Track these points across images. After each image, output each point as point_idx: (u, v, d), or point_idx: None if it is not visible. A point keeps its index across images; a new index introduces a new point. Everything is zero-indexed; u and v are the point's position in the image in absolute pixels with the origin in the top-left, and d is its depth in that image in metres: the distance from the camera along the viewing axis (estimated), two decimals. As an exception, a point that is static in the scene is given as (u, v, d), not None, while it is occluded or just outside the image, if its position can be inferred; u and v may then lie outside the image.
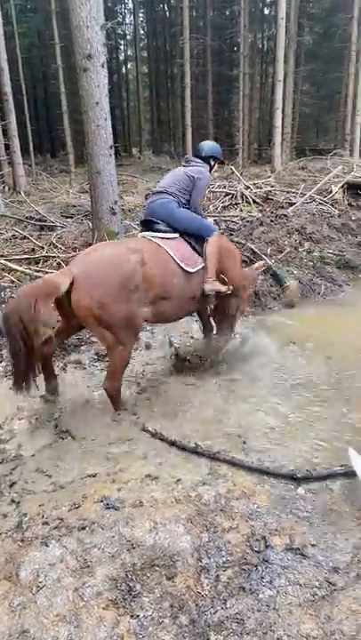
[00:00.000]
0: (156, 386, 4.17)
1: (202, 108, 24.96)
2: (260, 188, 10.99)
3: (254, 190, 10.58)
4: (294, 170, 15.49)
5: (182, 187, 4.15)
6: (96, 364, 4.53)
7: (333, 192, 9.98)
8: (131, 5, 28.92)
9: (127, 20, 29.95)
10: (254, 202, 9.92)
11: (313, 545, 2.41)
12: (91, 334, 4.74)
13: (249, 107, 23.81)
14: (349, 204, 9.66)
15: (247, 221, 8.42)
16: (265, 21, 25.75)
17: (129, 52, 31.67)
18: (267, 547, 2.39)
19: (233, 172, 12.57)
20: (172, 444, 3.24)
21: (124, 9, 30.02)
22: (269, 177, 13.19)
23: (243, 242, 7.31)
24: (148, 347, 4.89)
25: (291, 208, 9.18)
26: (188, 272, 3.92)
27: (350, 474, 2.85)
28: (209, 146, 4.43)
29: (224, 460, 3.04)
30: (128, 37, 30.77)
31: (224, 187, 11.08)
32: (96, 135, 6.35)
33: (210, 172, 4.40)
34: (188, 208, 4.17)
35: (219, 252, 4.12)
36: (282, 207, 9.43)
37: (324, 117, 27.81)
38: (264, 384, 4.14)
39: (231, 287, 4.29)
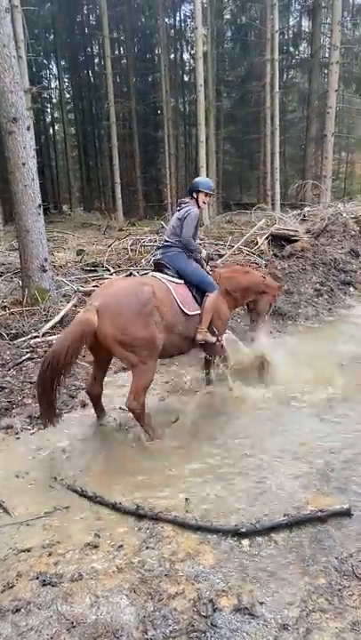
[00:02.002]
0: (95, 447, 4.03)
1: (130, 166, 25.78)
2: (190, 241, 11.30)
3: (184, 244, 10.86)
4: (221, 223, 16.13)
5: (178, 232, 4.61)
6: (29, 427, 4.33)
7: (259, 243, 10.44)
8: (55, 71, 29.88)
9: (52, 85, 30.86)
10: (185, 255, 10.16)
11: (261, 603, 2.35)
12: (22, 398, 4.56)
13: (175, 165, 24.83)
14: (275, 255, 10.12)
15: (179, 274, 8.57)
16: (185, 87, 27.30)
17: (56, 115, 32.44)
18: (214, 610, 2.30)
19: (163, 227, 12.91)
20: (112, 506, 3.11)
21: (49, 74, 30.97)
22: (198, 230, 13.62)
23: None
24: (84, 405, 4.75)
25: (220, 259, 9.48)
26: (186, 314, 4.34)
27: (293, 523, 2.84)
28: (194, 181, 4.91)
29: (167, 521, 2.94)
30: (54, 101, 31.61)
31: (155, 240, 11.33)
32: (24, 194, 6.36)
33: (198, 205, 4.78)
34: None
35: (214, 309, 4.59)
36: (212, 259, 9.67)
37: (247, 174, 29.41)
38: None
39: (221, 339, 4.77)
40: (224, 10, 24.70)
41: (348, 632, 2.16)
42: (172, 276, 4.46)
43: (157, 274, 4.51)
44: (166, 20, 24.02)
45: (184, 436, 4.09)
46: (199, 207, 4.78)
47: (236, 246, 10.23)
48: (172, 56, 25.77)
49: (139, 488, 3.34)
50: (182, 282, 4.47)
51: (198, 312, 4.48)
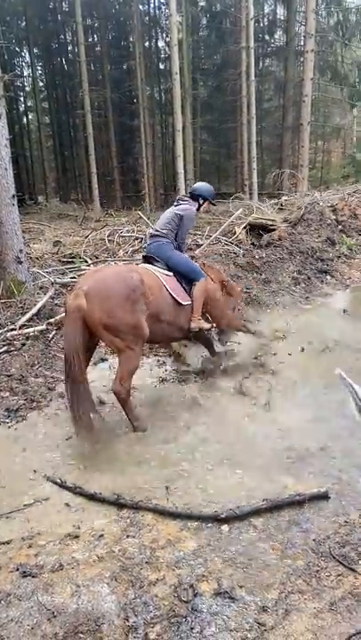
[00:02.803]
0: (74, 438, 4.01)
1: (106, 156, 25.49)
2: (168, 231, 11.27)
3: (162, 234, 10.83)
4: (199, 213, 16.08)
5: (172, 226, 4.70)
6: (7, 420, 4.28)
7: (237, 233, 10.45)
8: (28, 59, 29.28)
9: (25, 73, 30.25)
10: (163, 245, 10.12)
11: (241, 586, 2.38)
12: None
13: (152, 154, 24.65)
14: (252, 244, 10.15)
15: (157, 264, 8.55)
16: (161, 75, 27.01)
17: (29, 103, 31.83)
18: (195, 595, 2.33)
19: (141, 217, 12.83)
20: (92, 497, 3.11)
21: (22, 62, 30.32)
22: (176, 220, 13.58)
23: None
24: (62, 397, 4.72)
25: (198, 249, 9.48)
26: (178, 303, 4.42)
27: (272, 508, 2.89)
28: (200, 186, 5.06)
29: (147, 509, 2.95)
30: (27, 89, 31.00)
31: (133, 231, 11.26)
32: (-3, 185, 6.24)
33: (198, 209, 4.94)
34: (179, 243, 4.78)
35: (204, 295, 4.69)
36: (190, 249, 9.71)
37: (224, 163, 29.35)
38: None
39: (214, 325, 4.93)
40: (199, -3, 24.49)
41: (326, 612, 2.21)
42: (162, 268, 4.53)
43: (147, 265, 4.57)
44: (140, 6, 23.71)
45: (167, 426, 4.11)
46: (198, 210, 4.93)
47: (213, 236, 10.23)
48: (147, 43, 25.49)
49: (119, 477, 3.35)
50: (172, 274, 4.54)
51: (190, 302, 4.57)
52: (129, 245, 10.28)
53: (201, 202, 4.94)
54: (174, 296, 4.39)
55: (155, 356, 5.60)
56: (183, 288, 4.57)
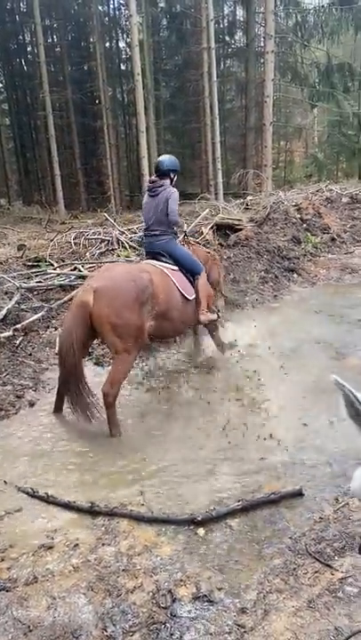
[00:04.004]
0: (44, 447, 3.93)
1: (69, 157, 25.17)
2: (135, 232, 11.21)
3: (129, 235, 10.77)
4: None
5: (164, 217, 4.63)
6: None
7: (204, 233, 10.46)
8: (-14, 60, 28.69)
9: (-17, 74, 29.62)
10: (131, 247, 10.08)
11: (219, 588, 2.38)
12: None
13: (116, 156, 24.49)
14: (220, 244, 10.19)
15: (125, 266, 8.50)
16: (123, 76, 26.83)
17: (-12, 105, 31.24)
18: (173, 600, 2.31)
19: (107, 219, 12.73)
20: (66, 506, 3.05)
21: (-20, 63, 29.70)
22: (143, 222, 13.53)
23: (122, 287, 7.34)
24: (32, 405, 4.63)
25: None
26: (186, 298, 4.57)
27: (248, 508, 2.89)
28: (166, 160, 4.87)
29: (122, 515, 2.91)
30: (-14, 91, 30.42)
31: (99, 233, 11.15)
32: None
33: (171, 184, 4.81)
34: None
35: (206, 286, 4.90)
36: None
37: (189, 164, 29.39)
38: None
39: (221, 314, 5.20)
40: (159, -2, 24.47)
41: (304, 610, 2.22)
42: (168, 263, 4.63)
43: (153, 261, 4.63)
44: (100, 7, 23.51)
45: (139, 431, 4.08)
46: (171, 184, 4.84)
47: (181, 237, 10.21)
48: (108, 44, 25.30)
49: (92, 485, 3.30)
50: (177, 268, 4.66)
51: (194, 297, 4.73)
52: (96, 248, 10.17)
53: (172, 176, 4.86)
54: (182, 292, 4.52)
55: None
56: (188, 281, 4.72)
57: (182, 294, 4.53)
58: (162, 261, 4.62)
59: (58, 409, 4.31)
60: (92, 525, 2.88)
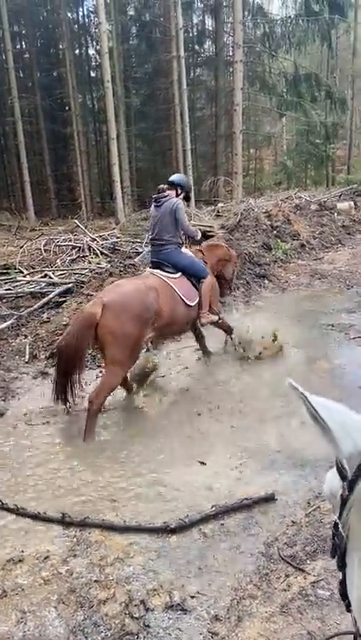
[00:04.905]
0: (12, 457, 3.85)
1: (39, 164, 24.98)
2: (107, 239, 11.18)
3: (101, 242, 10.72)
4: (137, 220, 16.07)
5: (170, 227, 4.86)
6: None
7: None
8: None
9: None
10: (102, 253, 10.03)
11: (193, 597, 2.36)
12: None
13: (87, 162, 24.41)
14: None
15: (96, 273, 8.44)
16: (93, 83, 26.83)
17: None
18: (146, 610, 2.28)
19: (78, 226, 12.65)
20: (36, 517, 2.98)
21: None
22: (114, 228, 13.51)
23: (93, 294, 7.28)
24: (1, 414, 4.53)
25: (138, 257, 9.43)
26: (188, 305, 4.80)
27: (221, 513, 2.88)
28: (177, 177, 5.26)
29: (94, 525, 2.87)
30: None
31: (70, 240, 11.06)
32: None
33: (177, 196, 5.04)
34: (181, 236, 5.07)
35: (210, 290, 5.14)
36: (129, 257, 9.64)
37: (160, 171, 29.46)
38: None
39: (222, 315, 5.47)
40: (127, 6, 24.55)
41: (277, 615, 2.22)
42: (171, 272, 4.83)
43: (156, 271, 4.84)
44: (69, 14, 23.49)
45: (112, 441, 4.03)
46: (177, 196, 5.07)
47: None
48: (77, 51, 25.29)
49: (64, 495, 3.24)
50: (180, 274, 4.87)
51: (197, 301, 4.96)
52: (66, 255, 10.09)
53: (179, 191, 5.08)
54: (185, 300, 4.75)
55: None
56: (193, 285, 4.94)
57: (185, 302, 4.77)
58: (165, 271, 4.82)
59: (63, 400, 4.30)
60: (63, 536, 2.83)
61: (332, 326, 6.49)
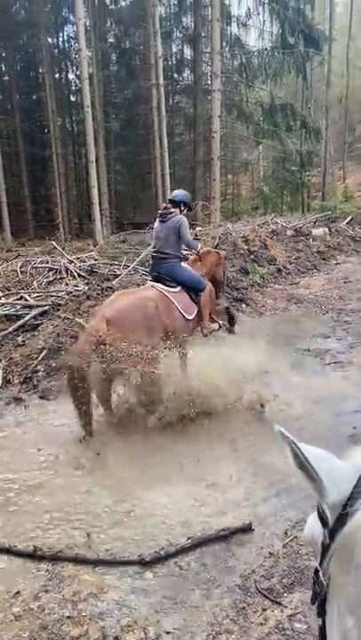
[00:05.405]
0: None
1: (17, 185, 24.93)
2: (84, 261, 11.14)
3: (78, 264, 10.68)
4: (116, 243, 16.09)
5: (174, 241, 5.07)
6: None
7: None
8: None
9: None
10: (79, 275, 9.98)
11: (168, 632, 2.30)
12: None
13: (66, 184, 24.45)
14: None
15: (74, 296, 8.39)
16: (73, 107, 27.06)
17: None
18: (120, 649, 2.21)
19: (55, 247, 12.60)
20: (7, 551, 2.89)
21: None
22: (92, 251, 13.49)
23: (70, 317, 7.23)
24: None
25: (116, 280, 9.42)
26: (187, 319, 4.96)
27: (197, 545, 2.84)
28: (181, 194, 5.45)
29: (67, 559, 2.79)
30: None
31: (47, 262, 11.00)
32: None
33: (180, 213, 5.27)
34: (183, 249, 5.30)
35: (209, 301, 5.33)
36: (107, 279, 9.63)
37: (139, 194, 29.74)
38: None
39: (222, 323, 5.69)
40: (108, 33, 24.98)
41: (254, 650, 2.18)
42: (171, 286, 4.98)
43: (156, 284, 4.99)
44: (49, 39, 23.77)
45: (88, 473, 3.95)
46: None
47: (131, 266, 10.23)
48: (58, 75, 25.51)
49: (36, 529, 3.15)
50: (179, 288, 5.02)
51: (196, 314, 5.12)
52: (43, 277, 10.01)
53: (182, 207, 5.33)
54: (183, 313, 4.90)
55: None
56: (191, 298, 5.10)
57: (183, 316, 4.92)
58: (166, 284, 4.97)
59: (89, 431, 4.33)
60: (35, 571, 2.74)
61: (308, 351, 6.55)
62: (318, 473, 0.85)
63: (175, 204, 5.31)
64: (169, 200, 5.45)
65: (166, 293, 4.89)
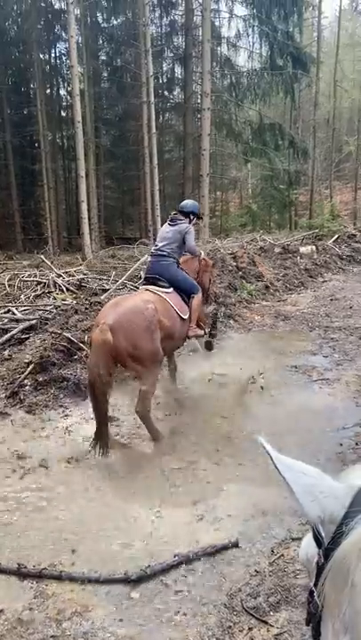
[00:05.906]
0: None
1: (6, 198, 24.93)
2: (73, 275, 11.14)
3: (67, 278, 10.67)
4: (105, 258, 16.13)
5: (175, 245, 5.25)
6: None
7: (143, 278, 10.54)
8: None
9: None
10: (68, 290, 9.97)
11: (153, 653, 2.27)
12: None
13: (55, 199, 24.50)
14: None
15: (62, 310, 8.36)
16: (63, 122, 27.25)
17: None
18: (105, 669, 2.18)
19: (43, 261, 12.59)
20: (-9, 569, 2.84)
21: None
22: (81, 265, 13.51)
23: (59, 331, 7.20)
24: None
25: (104, 294, 9.41)
26: (182, 318, 5.02)
27: (184, 563, 2.82)
28: (191, 204, 5.69)
29: (52, 577, 2.75)
30: None
31: (35, 275, 10.98)
32: None
33: (189, 223, 5.48)
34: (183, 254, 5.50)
35: (200, 306, 5.43)
36: (96, 294, 9.61)
37: (128, 209, 29.90)
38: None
39: (207, 330, 5.90)
40: (99, 51, 25.30)
41: (240, 670, 2.16)
42: (165, 287, 5.03)
43: (151, 287, 5.05)
44: (41, 55, 23.98)
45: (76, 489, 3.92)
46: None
47: (120, 281, 10.23)
48: (49, 91, 25.72)
49: (20, 545, 3.10)
50: (172, 289, 5.06)
51: (188, 314, 5.18)
52: (31, 290, 9.99)
53: (191, 217, 5.54)
54: (179, 313, 4.96)
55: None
56: (183, 300, 5.15)
57: (180, 315, 4.98)
58: (159, 286, 5.03)
59: (106, 446, 4.29)
60: (19, 589, 2.70)
61: (296, 368, 6.59)
62: (292, 487, 0.85)
63: (185, 214, 5.50)
64: (179, 210, 5.61)
65: (161, 294, 4.95)
